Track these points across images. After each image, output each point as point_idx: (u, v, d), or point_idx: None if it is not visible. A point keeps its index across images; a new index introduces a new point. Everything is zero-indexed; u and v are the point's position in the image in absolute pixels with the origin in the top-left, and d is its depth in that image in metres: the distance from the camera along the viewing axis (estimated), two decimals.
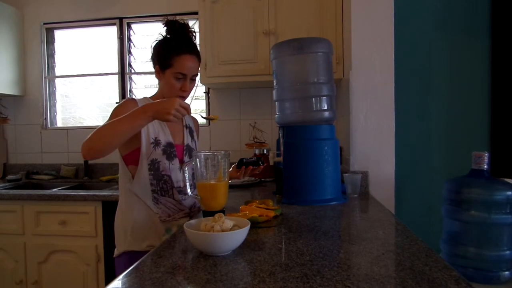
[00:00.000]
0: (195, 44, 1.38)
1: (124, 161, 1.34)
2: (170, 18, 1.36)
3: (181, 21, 1.36)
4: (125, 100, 1.35)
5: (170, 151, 1.36)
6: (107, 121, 1.21)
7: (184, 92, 1.35)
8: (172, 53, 1.31)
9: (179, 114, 1.16)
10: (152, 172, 1.32)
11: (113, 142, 1.15)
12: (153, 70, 1.40)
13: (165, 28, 1.36)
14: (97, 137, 1.14)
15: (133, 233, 1.32)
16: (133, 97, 1.39)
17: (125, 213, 1.35)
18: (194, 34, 1.40)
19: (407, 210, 1.94)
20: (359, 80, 1.73)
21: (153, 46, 1.38)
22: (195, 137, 1.54)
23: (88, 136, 1.15)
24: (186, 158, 1.42)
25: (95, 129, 1.15)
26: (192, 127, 1.54)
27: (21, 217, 2.18)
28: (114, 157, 3.01)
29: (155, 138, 1.33)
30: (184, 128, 1.47)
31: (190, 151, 1.45)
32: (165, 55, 1.32)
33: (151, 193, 1.33)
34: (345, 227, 1.16)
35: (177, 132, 1.43)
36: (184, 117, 1.49)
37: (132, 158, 1.32)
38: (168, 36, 1.36)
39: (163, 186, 1.34)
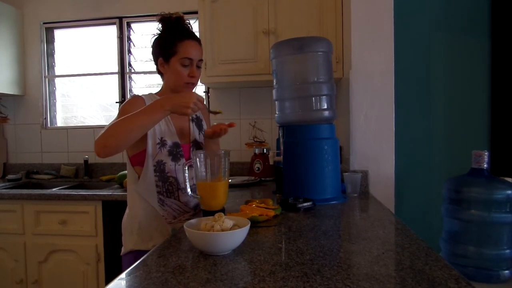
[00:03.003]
0: (194, 33, 1.38)
1: (131, 161, 1.34)
2: (163, 13, 1.36)
3: (175, 14, 1.36)
4: (132, 97, 1.33)
5: (176, 151, 1.35)
6: (116, 118, 1.19)
7: (193, 78, 1.33)
8: (176, 40, 1.31)
9: (196, 108, 1.15)
10: (157, 174, 1.31)
11: (129, 137, 1.13)
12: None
13: (161, 23, 1.36)
14: (112, 133, 1.11)
15: (140, 233, 1.32)
16: (139, 94, 1.38)
17: (132, 213, 1.35)
18: (190, 25, 1.39)
19: (407, 209, 1.94)
20: (359, 79, 1.73)
21: (153, 41, 1.38)
22: (204, 126, 1.52)
23: (101, 133, 1.12)
24: None
25: (107, 126, 1.13)
26: (200, 116, 1.51)
27: (21, 216, 2.18)
28: (114, 156, 3.00)
29: (161, 138, 1.32)
30: (190, 123, 1.45)
31: (197, 147, 1.44)
32: (168, 44, 1.32)
33: (157, 195, 1.32)
34: (345, 226, 1.16)
35: (183, 131, 1.41)
36: None
37: (138, 159, 1.32)
38: (167, 29, 1.36)
39: (168, 188, 1.34)
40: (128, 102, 1.29)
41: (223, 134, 1.40)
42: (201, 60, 1.37)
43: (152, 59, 1.40)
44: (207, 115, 1.59)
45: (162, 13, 1.37)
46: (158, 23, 1.37)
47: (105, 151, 1.11)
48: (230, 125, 1.37)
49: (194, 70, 1.33)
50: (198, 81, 1.37)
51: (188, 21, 1.39)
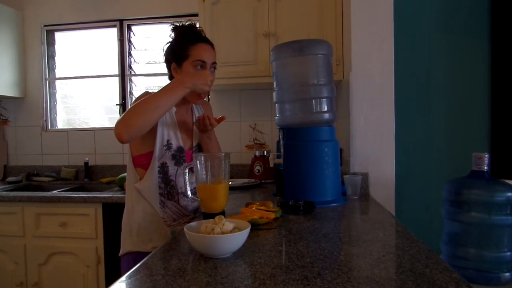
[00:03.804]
0: (207, 38, 1.39)
1: (134, 161, 1.34)
2: (176, 23, 1.37)
3: (188, 22, 1.38)
4: (144, 93, 1.33)
5: (179, 156, 1.36)
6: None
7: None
8: (188, 43, 1.31)
9: (211, 85, 1.25)
10: (161, 175, 1.32)
11: (154, 115, 1.14)
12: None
13: (174, 32, 1.37)
14: (136, 112, 1.11)
15: (139, 234, 1.33)
16: (150, 91, 1.37)
17: (131, 214, 1.35)
18: (203, 31, 1.40)
19: (408, 211, 1.94)
20: (359, 81, 1.73)
21: (165, 48, 1.39)
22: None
23: (122, 116, 1.12)
24: None
25: (127, 110, 1.13)
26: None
27: (22, 219, 2.18)
28: (114, 158, 2.99)
29: (168, 141, 1.33)
30: (194, 126, 1.46)
31: (200, 150, 1.46)
32: (180, 48, 1.32)
33: (159, 196, 1.33)
34: (346, 228, 1.16)
35: (187, 136, 1.42)
36: (194, 112, 1.49)
37: (141, 160, 1.32)
38: (179, 34, 1.36)
39: (170, 191, 1.34)
40: (141, 96, 1.29)
41: (210, 125, 1.34)
42: (214, 63, 1.37)
43: (165, 65, 1.40)
44: (211, 112, 1.59)
45: (174, 23, 1.38)
46: (171, 31, 1.37)
47: (129, 131, 1.10)
48: (221, 119, 1.36)
49: (208, 73, 1.32)
50: (212, 84, 1.35)
51: (200, 28, 1.40)
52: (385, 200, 1.62)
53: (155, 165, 1.31)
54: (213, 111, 2.62)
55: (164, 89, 1.17)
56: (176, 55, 1.33)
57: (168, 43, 1.39)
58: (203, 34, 1.39)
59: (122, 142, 1.11)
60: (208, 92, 1.23)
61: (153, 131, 1.28)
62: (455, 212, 1.21)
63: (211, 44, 1.38)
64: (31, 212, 2.17)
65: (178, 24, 1.37)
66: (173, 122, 1.36)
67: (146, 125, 1.13)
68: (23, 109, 2.92)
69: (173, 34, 1.37)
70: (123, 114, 1.13)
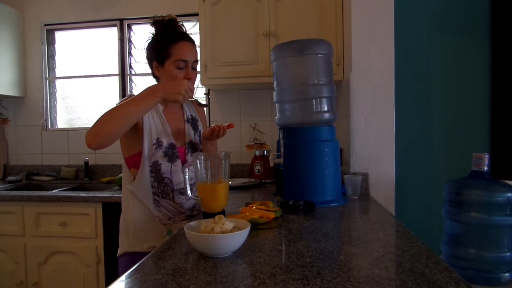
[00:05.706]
0: (188, 34, 1.37)
1: (127, 163, 1.34)
2: (155, 17, 1.36)
3: (168, 17, 1.36)
4: (128, 96, 1.32)
5: (172, 152, 1.35)
6: None
7: (189, 80, 1.32)
8: (169, 42, 1.30)
9: (187, 96, 1.16)
10: (153, 175, 1.32)
11: (120, 125, 1.11)
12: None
13: (154, 27, 1.35)
14: (102, 122, 1.10)
15: (135, 234, 1.32)
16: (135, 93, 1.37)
17: (127, 214, 1.35)
18: (183, 27, 1.39)
19: (408, 211, 1.94)
20: (359, 81, 1.73)
21: (146, 45, 1.37)
22: (200, 127, 1.51)
23: (92, 125, 1.11)
24: (188, 157, 1.41)
25: (98, 118, 1.12)
26: (195, 116, 1.51)
27: (21, 218, 2.18)
28: (114, 158, 2.99)
29: (157, 139, 1.32)
30: (186, 124, 1.45)
31: (192, 148, 1.44)
32: (161, 47, 1.31)
33: (152, 196, 1.32)
34: (346, 228, 1.16)
35: (179, 132, 1.41)
36: (185, 110, 1.48)
37: (134, 161, 1.32)
38: (160, 32, 1.35)
39: (164, 189, 1.34)
40: (125, 99, 1.28)
41: (222, 136, 1.40)
42: (196, 61, 1.35)
43: (147, 63, 1.39)
44: (203, 116, 1.59)
45: (155, 17, 1.36)
46: (151, 25, 1.36)
47: (96, 140, 1.09)
48: (229, 126, 1.37)
49: (190, 72, 1.32)
50: (193, 86, 1.35)
51: (181, 23, 1.38)
52: (385, 200, 1.62)
53: (145, 165, 1.30)
54: (214, 111, 2.64)
55: (134, 98, 1.14)
56: (157, 54, 1.32)
57: (148, 40, 1.37)
58: (184, 30, 1.37)
59: (92, 149, 1.11)
60: (187, 99, 1.19)
61: (139, 132, 1.28)
62: (455, 212, 1.21)
63: (192, 41, 1.36)
64: (31, 211, 2.17)
65: (158, 19, 1.35)
66: (162, 120, 1.35)
67: (114, 134, 1.11)
68: (23, 108, 2.92)
69: (153, 29, 1.36)
70: (94, 122, 1.11)
